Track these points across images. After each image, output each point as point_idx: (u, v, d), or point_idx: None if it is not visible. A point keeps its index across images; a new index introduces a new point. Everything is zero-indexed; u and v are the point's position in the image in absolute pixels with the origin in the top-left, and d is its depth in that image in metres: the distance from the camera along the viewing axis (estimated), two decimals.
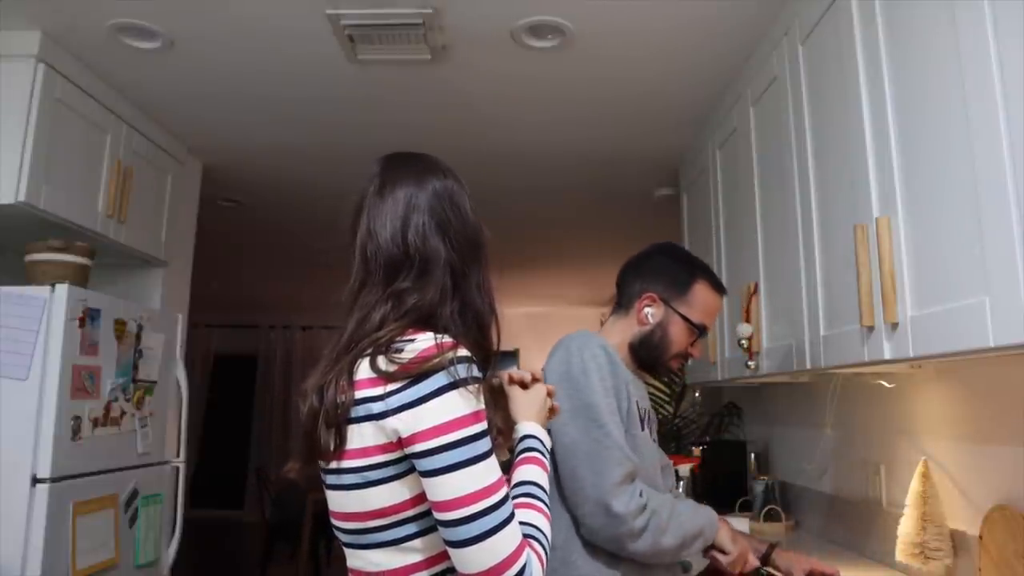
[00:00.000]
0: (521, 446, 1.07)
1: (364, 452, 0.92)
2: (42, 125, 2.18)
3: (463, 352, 0.92)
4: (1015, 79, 1.03)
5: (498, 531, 0.87)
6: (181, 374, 2.76)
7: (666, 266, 1.59)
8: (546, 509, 0.99)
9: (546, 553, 0.93)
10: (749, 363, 2.15)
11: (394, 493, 0.92)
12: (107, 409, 2.28)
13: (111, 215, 2.51)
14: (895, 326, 1.33)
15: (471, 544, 0.86)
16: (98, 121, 2.46)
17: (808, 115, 1.82)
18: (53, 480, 2.02)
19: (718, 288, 1.61)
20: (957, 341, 1.15)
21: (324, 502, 0.98)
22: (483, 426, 0.91)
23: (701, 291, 1.57)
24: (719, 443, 3.22)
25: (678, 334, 1.55)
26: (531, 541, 0.91)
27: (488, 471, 0.89)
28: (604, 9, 2.06)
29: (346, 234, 1.09)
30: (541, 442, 1.08)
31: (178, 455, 2.74)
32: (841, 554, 2.10)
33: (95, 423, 2.21)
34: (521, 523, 0.92)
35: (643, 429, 1.47)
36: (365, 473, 0.92)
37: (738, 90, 2.39)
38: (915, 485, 1.76)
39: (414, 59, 2.30)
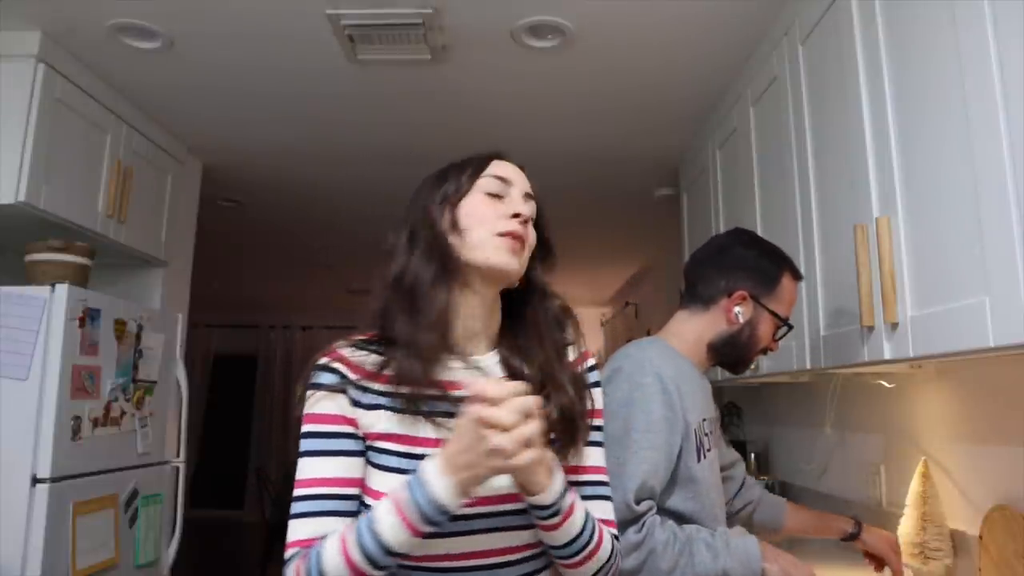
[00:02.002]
0: None
1: None
2: (42, 125, 2.18)
3: (321, 360, 0.99)
4: (1015, 79, 1.03)
5: (288, 520, 0.95)
6: (181, 374, 2.76)
7: (752, 259, 1.47)
8: (350, 541, 0.86)
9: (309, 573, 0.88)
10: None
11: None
12: (107, 409, 2.28)
13: (111, 215, 2.51)
14: (895, 326, 1.33)
15: None
16: (98, 121, 2.46)
17: (808, 115, 1.82)
18: (53, 480, 2.02)
19: (798, 276, 1.52)
20: (957, 341, 1.15)
21: None
22: (311, 427, 0.96)
23: (786, 283, 1.48)
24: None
25: (765, 331, 1.46)
26: (308, 553, 0.90)
27: (303, 468, 0.95)
28: (604, 9, 2.06)
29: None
30: (418, 480, 0.84)
31: (178, 455, 2.74)
32: (841, 554, 2.10)
33: (95, 423, 2.21)
34: (320, 538, 0.90)
35: (702, 458, 1.37)
36: None
37: (738, 90, 2.39)
38: (915, 485, 1.76)
39: (414, 59, 2.30)
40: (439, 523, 0.85)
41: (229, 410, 8.05)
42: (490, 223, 1.01)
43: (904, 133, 1.34)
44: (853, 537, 1.67)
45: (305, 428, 0.96)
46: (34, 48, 2.16)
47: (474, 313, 1.03)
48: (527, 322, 1.06)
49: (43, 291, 2.11)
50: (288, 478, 5.89)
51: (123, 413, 2.37)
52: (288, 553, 0.92)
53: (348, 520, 0.91)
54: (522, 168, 1.14)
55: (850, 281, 1.49)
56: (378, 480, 0.94)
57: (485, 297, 1.03)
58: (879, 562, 1.66)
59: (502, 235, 1.00)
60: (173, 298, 3.07)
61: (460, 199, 1.03)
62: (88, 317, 2.19)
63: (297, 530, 0.93)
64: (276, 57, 2.34)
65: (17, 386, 2.03)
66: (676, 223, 3.33)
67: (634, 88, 2.56)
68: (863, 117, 1.48)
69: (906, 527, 1.75)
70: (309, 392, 0.97)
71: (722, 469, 1.71)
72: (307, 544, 0.91)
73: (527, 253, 1.04)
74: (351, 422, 0.96)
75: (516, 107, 2.73)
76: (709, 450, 1.42)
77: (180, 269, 3.16)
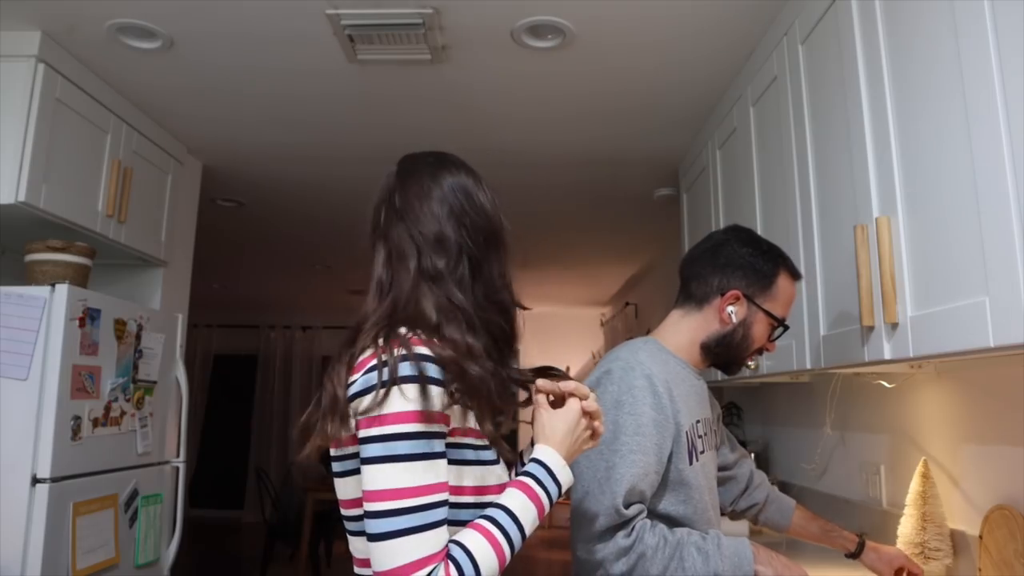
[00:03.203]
0: (521, 469, 0.99)
1: (345, 441, 0.96)
2: (42, 125, 2.18)
3: (413, 350, 0.91)
4: (1015, 79, 1.03)
5: (399, 536, 0.84)
6: (181, 374, 2.76)
7: (747, 257, 1.44)
8: (498, 536, 0.89)
9: None
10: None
11: (358, 486, 0.93)
12: (107, 409, 2.28)
13: (111, 215, 2.51)
14: (895, 326, 1.33)
15: (373, 540, 0.85)
16: (98, 121, 2.46)
17: (808, 115, 1.82)
18: (53, 480, 2.02)
19: (796, 275, 1.49)
20: (957, 341, 1.15)
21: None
22: (419, 427, 0.87)
23: (783, 282, 1.44)
24: None
25: (760, 331, 1.44)
26: (449, 561, 0.85)
27: (411, 473, 0.86)
28: (604, 9, 2.06)
29: (367, 233, 1.10)
30: (546, 470, 0.97)
31: (178, 455, 2.74)
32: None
33: (95, 423, 2.21)
34: (454, 542, 0.87)
35: (694, 461, 1.36)
36: (344, 462, 0.97)
37: (738, 90, 2.39)
38: (915, 485, 1.76)
39: (414, 59, 2.30)
40: None
41: (229, 410, 8.06)
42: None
43: (904, 133, 1.34)
44: (854, 556, 1.66)
45: (409, 428, 0.87)
46: (34, 48, 2.16)
47: None
48: None
49: (43, 291, 2.11)
50: (288, 478, 5.92)
51: (123, 413, 2.37)
52: (421, 574, 0.83)
53: (447, 528, 0.88)
54: None
55: (850, 281, 1.49)
56: (463, 475, 0.94)
57: None
58: None
59: None
60: (173, 298, 3.07)
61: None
62: (88, 317, 2.19)
63: (421, 546, 0.84)
64: (276, 57, 2.34)
65: (17, 386, 2.03)
66: (676, 223, 3.33)
67: (634, 88, 2.56)
68: (863, 117, 1.48)
69: (906, 527, 1.75)
70: (410, 387, 0.88)
71: (724, 469, 1.70)
72: (437, 560, 0.84)
73: None
74: (447, 420, 0.92)
75: (516, 107, 2.73)
76: (703, 452, 1.41)
77: (180, 269, 3.16)
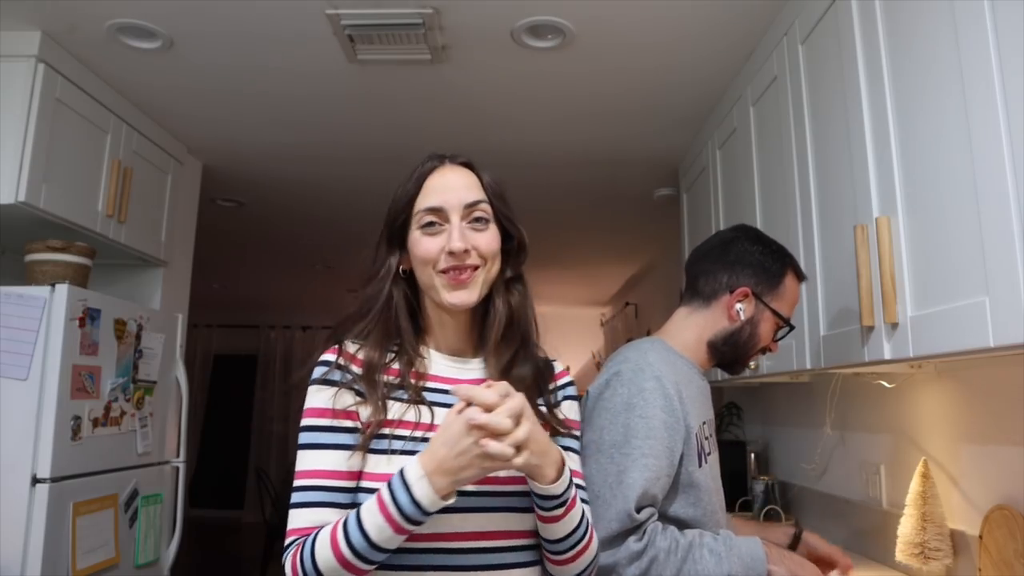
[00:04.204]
0: None
1: None
2: (42, 125, 2.18)
3: (323, 356, 1.04)
4: (1015, 79, 1.03)
5: (290, 508, 0.97)
6: (181, 374, 2.76)
7: (756, 255, 1.43)
8: (339, 533, 0.88)
9: (305, 568, 0.89)
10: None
11: None
12: (107, 409, 2.28)
13: (111, 215, 2.51)
14: (895, 326, 1.33)
15: None
16: (98, 121, 2.46)
17: (808, 115, 1.82)
18: (53, 480, 2.02)
19: (802, 276, 1.49)
20: (957, 341, 1.15)
21: None
22: (312, 421, 0.98)
23: (790, 282, 1.44)
24: (719, 443, 3.20)
25: (766, 330, 1.43)
26: (302, 545, 0.92)
27: (303, 459, 0.97)
28: (604, 9, 2.06)
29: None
30: (400, 478, 0.87)
31: (178, 455, 2.74)
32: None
33: (95, 423, 2.22)
34: (322, 528, 0.92)
35: (703, 463, 1.35)
36: None
37: (738, 90, 2.39)
38: (915, 485, 1.76)
39: (414, 59, 2.30)
40: (422, 521, 0.88)
41: (229, 410, 8.06)
42: (431, 262, 1.03)
43: (904, 133, 1.34)
44: (797, 539, 1.61)
45: (307, 421, 0.99)
46: (34, 48, 2.16)
47: (452, 328, 1.09)
48: (490, 324, 1.11)
49: (43, 291, 2.11)
50: (288, 478, 5.93)
51: (123, 413, 2.37)
52: (287, 541, 0.95)
53: (343, 511, 0.94)
54: (467, 165, 1.12)
55: (850, 281, 1.49)
56: (371, 463, 0.97)
57: (457, 316, 1.08)
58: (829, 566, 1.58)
59: (444, 272, 1.03)
60: (173, 298, 3.07)
61: (403, 241, 1.08)
62: (88, 317, 2.19)
63: (295, 519, 0.96)
64: (276, 57, 2.34)
65: (17, 386, 2.03)
66: (676, 223, 3.33)
67: (634, 88, 2.56)
68: (863, 117, 1.48)
69: (906, 527, 1.75)
70: (313, 387, 1.00)
71: None
72: (304, 533, 0.94)
73: (489, 267, 1.07)
74: (352, 416, 0.98)
75: (516, 107, 2.73)
76: (709, 454, 1.40)
77: (180, 269, 3.16)
